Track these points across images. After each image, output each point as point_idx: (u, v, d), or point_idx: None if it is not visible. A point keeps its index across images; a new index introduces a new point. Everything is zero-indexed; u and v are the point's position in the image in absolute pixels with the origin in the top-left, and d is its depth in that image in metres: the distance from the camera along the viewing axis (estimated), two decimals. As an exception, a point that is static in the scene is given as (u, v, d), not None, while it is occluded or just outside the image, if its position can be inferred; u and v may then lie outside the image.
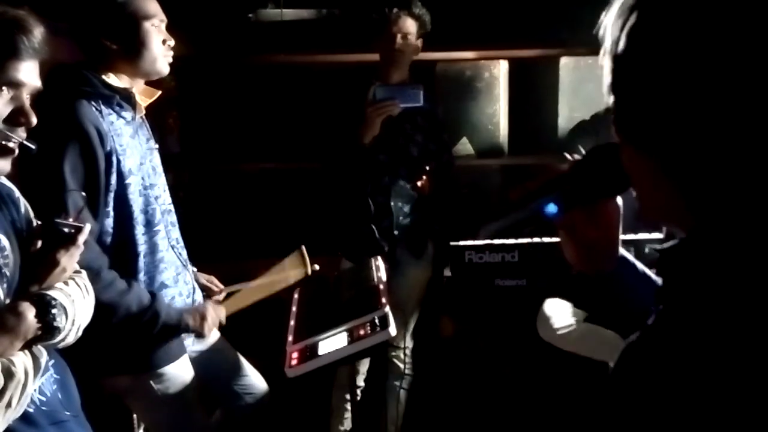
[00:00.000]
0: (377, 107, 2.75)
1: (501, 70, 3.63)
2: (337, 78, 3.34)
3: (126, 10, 1.95)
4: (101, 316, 1.74)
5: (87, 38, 1.99)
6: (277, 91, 3.84)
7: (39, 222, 1.60)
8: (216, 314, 2.14)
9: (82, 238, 1.54)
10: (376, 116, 2.75)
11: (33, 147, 1.50)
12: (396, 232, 2.96)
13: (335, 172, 2.97)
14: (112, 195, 1.94)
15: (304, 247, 2.31)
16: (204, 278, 2.35)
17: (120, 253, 1.98)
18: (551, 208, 0.98)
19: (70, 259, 1.53)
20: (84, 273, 1.66)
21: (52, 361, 1.57)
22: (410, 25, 2.88)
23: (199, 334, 2.11)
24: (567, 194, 0.98)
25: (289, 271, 2.30)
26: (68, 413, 1.58)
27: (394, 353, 3.10)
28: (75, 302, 1.53)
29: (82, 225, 1.55)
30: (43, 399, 1.52)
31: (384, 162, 2.91)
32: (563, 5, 3.39)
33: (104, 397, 2.14)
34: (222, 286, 2.36)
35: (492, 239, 2.34)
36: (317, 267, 2.31)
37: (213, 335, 2.29)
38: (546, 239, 2.37)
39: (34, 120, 1.48)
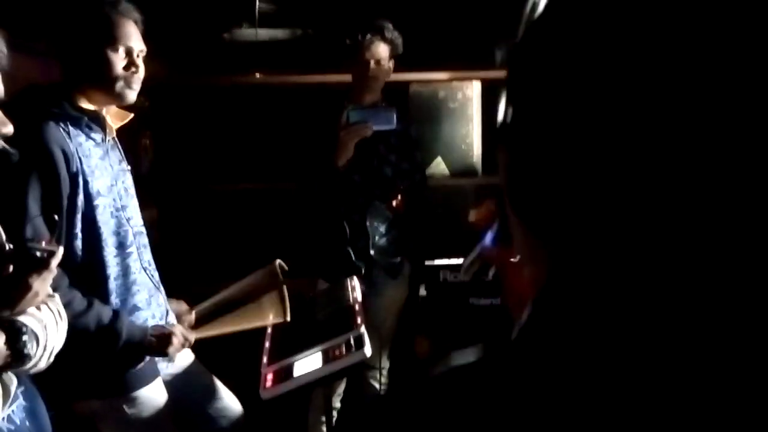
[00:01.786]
0: (350, 131, 2.77)
1: (474, 90, 3.66)
2: (311, 98, 3.36)
3: (88, 34, 1.96)
4: None
5: (63, 58, 2.00)
6: (252, 112, 3.84)
7: (11, 245, 1.58)
8: (183, 336, 2.11)
9: (54, 262, 1.52)
10: (350, 140, 2.77)
11: (13, 152, 1.49)
12: (372, 252, 2.97)
13: (310, 194, 2.97)
14: (79, 216, 1.93)
15: (284, 288, 2.28)
16: (174, 305, 2.32)
17: (90, 275, 1.97)
18: (487, 240, 0.95)
19: (42, 284, 1.51)
20: (57, 297, 1.64)
21: (22, 388, 1.55)
22: (383, 50, 2.91)
23: (164, 355, 2.07)
24: (499, 230, 0.93)
25: (267, 312, 2.29)
26: (38, 442, 1.56)
27: (370, 374, 3.09)
28: (47, 327, 1.51)
29: (55, 249, 1.54)
30: (12, 428, 1.49)
31: (358, 182, 2.92)
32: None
33: (76, 421, 2.11)
34: (189, 317, 2.32)
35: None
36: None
37: (185, 357, 2.27)
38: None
39: (8, 129, 1.47)
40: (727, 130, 0.50)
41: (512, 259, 0.94)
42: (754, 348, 0.50)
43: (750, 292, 0.50)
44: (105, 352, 1.97)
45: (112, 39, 1.97)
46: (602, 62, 0.52)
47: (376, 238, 2.98)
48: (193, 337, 2.15)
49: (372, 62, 2.90)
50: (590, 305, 0.54)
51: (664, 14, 0.51)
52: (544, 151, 0.54)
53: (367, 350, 1.98)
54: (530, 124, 0.55)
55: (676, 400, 0.49)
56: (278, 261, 2.29)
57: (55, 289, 1.79)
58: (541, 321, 0.57)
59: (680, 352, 0.50)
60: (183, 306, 2.33)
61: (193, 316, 2.31)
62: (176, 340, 2.07)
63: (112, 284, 2.00)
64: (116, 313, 1.97)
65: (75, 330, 1.84)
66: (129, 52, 2.00)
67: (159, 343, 2.05)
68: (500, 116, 0.61)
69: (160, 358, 2.11)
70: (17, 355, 1.43)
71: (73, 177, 1.90)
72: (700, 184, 0.50)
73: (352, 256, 2.90)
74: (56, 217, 1.79)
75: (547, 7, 0.57)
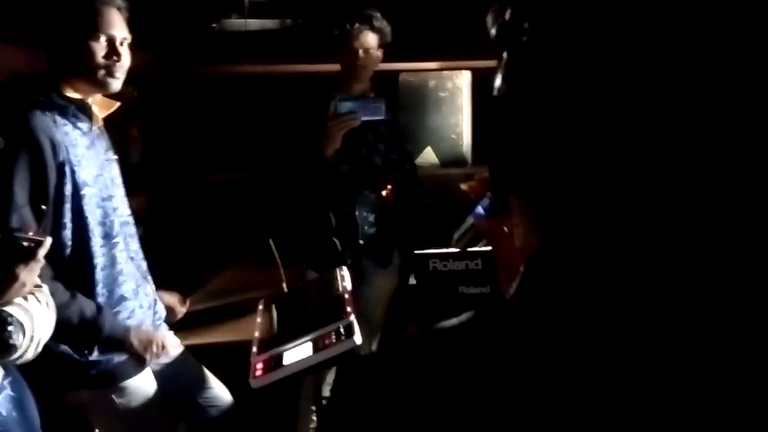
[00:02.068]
0: (338, 122, 2.76)
1: (464, 80, 3.66)
2: (300, 88, 3.35)
3: (70, 24, 1.95)
4: None
5: (47, 48, 1.98)
6: (241, 101, 3.83)
7: None
8: (163, 343, 2.10)
9: (42, 252, 1.52)
10: (337, 131, 2.77)
11: None
12: (361, 242, 2.96)
13: (297, 184, 2.97)
14: (67, 206, 1.91)
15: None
16: (166, 297, 2.31)
17: (77, 265, 1.96)
18: (479, 210, 0.94)
19: (29, 274, 1.50)
20: (45, 287, 1.63)
21: (9, 379, 1.54)
22: (371, 39, 2.90)
23: (140, 359, 2.05)
24: (492, 201, 0.92)
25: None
26: (24, 433, 1.56)
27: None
28: (34, 318, 1.51)
29: (42, 239, 1.53)
30: None
31: (347, 172, 2.92)
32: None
33: (65, 412, 2.10)
34: (182, 309, 2.34)
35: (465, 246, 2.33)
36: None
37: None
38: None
39: None
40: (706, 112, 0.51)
41: (505, 230, 0.94)
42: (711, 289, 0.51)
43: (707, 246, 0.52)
44: (85, 345, 1.97)
45: (93, 28, 1.95)
46: (588, 40, 0.53)
47: (366, 227, 2.97)
48: (175, 343, 2.16)
49: (361, 51, 2.89)
50: (578, 266, 0.56)
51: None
52: (537, 120, 0.56)
53: (357, 339, 1.98)
54: (523, 95, 0.57)
55: (650, 349, 0.51)
56: (270, 240, 2.31)
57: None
58: (534, 280, 0.60)
59: (655, 305, 0.51)
60: (175, 298, 2.33)
61: (186, 306, 2.31)
62: (155, 347, 2.07)
63: (99, 274, 1.99)
64: (99, 308, 1.96)
65: (57, 321, 1.84)
66: (111, 41, 1.97)
67: (139, 345, 2.04)
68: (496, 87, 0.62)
69: (136, 363, 2.08)
70: (2, 346, 1.42)
71: (60, 166, 1.89)
72: (668, 158, 0.51)
73: (338, 246, 2.90)
74: (44, 207, 1.78)
75: None
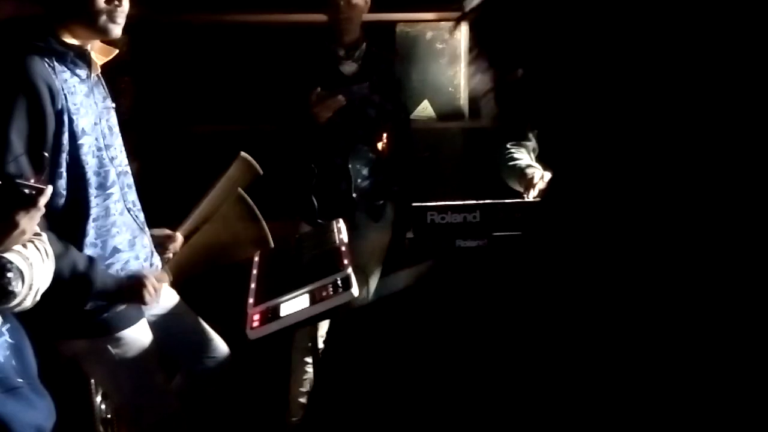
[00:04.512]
0: (323, 105, 2.74)
1: (462, 31, 3.60)
2: (293, 38, 3.29)
3: None
4: None
5: None
6: (233, 51, 3.76)
7: None
8: (157, 281, 2.08)
9: (43, 200, 1.50)
10: (325, 112, 2.75)
11: None
12: (354, 195, 2.94)
13: (288, 138, 2.94)
14: (64, 155, 1.88)
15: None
16: (156, 233, 2.26)
17: (70, 215, 1.93)
18: None
19: (30, 222, 1.49)
20: (45, 236, 1.61)
21: (7, 326, 1.53)
22: None
23: (141, 302, 2.04)
24: None
25: (246, 245, 2.30)
26: (21, 380, 1.55)
27: (355, 315, 3.10)
28: (33, 266, 1.50)
29: (43, 187, 1.51)
30: None
31: (341, 124, 2.88)
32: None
33: (61, 363, 2.10)
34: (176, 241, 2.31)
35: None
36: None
37: (170, 298, 2.26)
38: (507, 200, 2.38)
39: None
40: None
41: None
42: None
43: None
44: (77, 297, 1.94)
45: None
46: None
47: (359, 180, 2.95)
48: (165, 280, 2.14)
49: (342, 3, 2.84)
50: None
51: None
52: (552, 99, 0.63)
53: (354, 291, 1.99)
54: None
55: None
56: (242, 153, 2.29)
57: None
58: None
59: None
60: (165, 232, 2.29)
61: (179, 239, 2.28)
62: (150, 286, 2.04)
63: (90, 225, 1.96)
64: (91, 261, 1.94)
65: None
66: None
67: (132, 291, 2.02)
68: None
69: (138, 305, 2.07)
70: (2, 292, 1.41)
71: (59, 114, 1.85)
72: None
73: (315, 203, 2.88)
74: (46, 154, 1.75)
75: None
